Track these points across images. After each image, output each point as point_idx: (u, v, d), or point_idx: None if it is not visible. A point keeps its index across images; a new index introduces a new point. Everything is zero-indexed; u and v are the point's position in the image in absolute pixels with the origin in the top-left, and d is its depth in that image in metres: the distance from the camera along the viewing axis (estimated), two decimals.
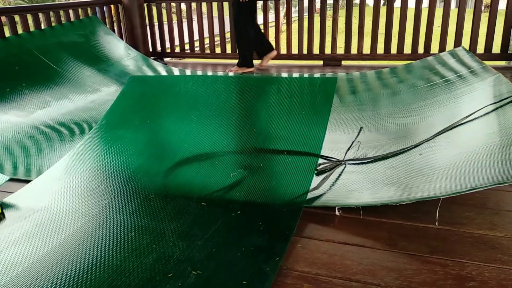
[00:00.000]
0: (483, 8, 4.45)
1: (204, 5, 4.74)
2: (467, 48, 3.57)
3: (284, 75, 4.19)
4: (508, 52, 4.04)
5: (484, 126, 1.92)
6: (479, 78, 2.48)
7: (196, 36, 4.86)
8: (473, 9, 3.98)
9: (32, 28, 3.72)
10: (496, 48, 4.00)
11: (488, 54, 3.95)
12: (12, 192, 1.80)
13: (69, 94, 3.20)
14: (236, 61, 4.42)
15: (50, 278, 1.24)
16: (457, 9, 3.98)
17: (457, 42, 3.96)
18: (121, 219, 1.54)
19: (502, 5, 3.87)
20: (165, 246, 1.37)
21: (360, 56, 4.39)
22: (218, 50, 4.86)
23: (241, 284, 1.19)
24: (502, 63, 4.43)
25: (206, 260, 1.29)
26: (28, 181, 1.90)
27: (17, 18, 3.61)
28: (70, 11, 4.17)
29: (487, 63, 2.69)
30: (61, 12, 4.06)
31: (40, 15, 3.83)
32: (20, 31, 3.60)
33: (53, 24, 3.92)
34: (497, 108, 1.98)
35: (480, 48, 3.99)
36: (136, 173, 1.89)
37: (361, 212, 1.54)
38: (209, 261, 1.29)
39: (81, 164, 2.00)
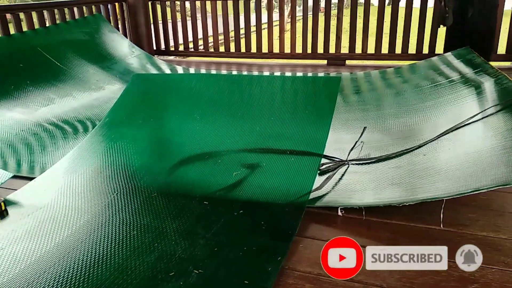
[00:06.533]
0: None
1: (208, 3, 4.74)
2: None
3: (288, 74, 4.18)
4: None
5: (488, 128, 1.90)
6: (484, 79, 2.46)
7: (200, 35, 4.85)
8: None
9: (36, 26, 3.73)
10: (502, 49, 3.97)
11: (493, 55, 3.92)
12: (16, 189, 1.80)
13: (73, 91, 3.20)
14: (239, 60, 4.43)
15: (52, 276, 1.24)
16: None
17: None
18: (123, 217, 1.54)
19: (508, 5, 3.84)
20: (167, 245, 1.37)
21: (365, 55, 4.38)
22: (222, 48, 4.86)
23: (243, 283, 1.19)
24: (507, 63, 4.39)
25: (208, 259, 1.29)
26: (31, 178, 1.90)
27: (22, 15, 3.62)
28: (75, 9, 4.17)
29: (492, 63, 2.67)
30: (66, 10, 4.07)
31: (45, 13, 3.83)
32: (24, 28, 3.61)
33: (57, 21, 3.93)
34: (501, 109, 1.96)
35: None
36: (139, 171, 1.89)
37: (363, 212, 1.53)
38: (211, 260, 1.29)
39: (84, 162, 2.00)
